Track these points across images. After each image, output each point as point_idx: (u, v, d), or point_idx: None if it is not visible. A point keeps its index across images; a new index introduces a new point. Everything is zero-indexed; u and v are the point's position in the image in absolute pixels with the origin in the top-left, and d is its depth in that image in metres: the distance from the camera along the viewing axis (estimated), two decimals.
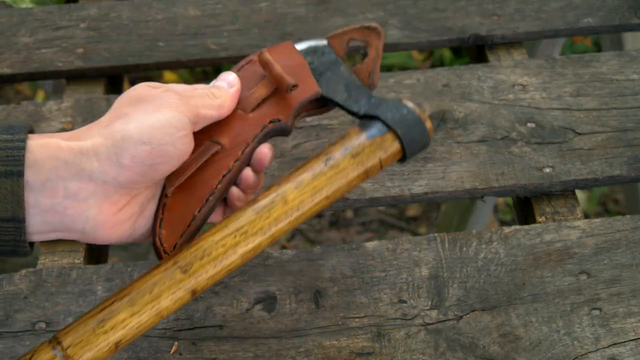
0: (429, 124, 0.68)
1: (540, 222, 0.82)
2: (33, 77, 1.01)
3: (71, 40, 1.03)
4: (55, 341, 0.58)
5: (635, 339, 0.71)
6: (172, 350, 0.71)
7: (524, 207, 0.86)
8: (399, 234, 2.04)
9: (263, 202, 0.64)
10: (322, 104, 0.71)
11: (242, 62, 0.70)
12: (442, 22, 1.03)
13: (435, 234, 0.80)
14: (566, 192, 0.85)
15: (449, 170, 0.86)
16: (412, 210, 2.11)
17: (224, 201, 0.68)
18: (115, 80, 1.03)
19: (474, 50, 1.05)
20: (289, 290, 0.76)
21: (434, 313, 0.74)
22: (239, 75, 0.68)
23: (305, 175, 0.65)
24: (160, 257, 0.63)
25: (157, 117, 0.59)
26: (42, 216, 0.57)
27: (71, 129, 0.91)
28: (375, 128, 0.67)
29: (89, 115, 0.93)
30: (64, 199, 0.57)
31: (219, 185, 0.65)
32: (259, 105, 0.68)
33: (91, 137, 0.59)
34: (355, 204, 0.85)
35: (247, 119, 0.67)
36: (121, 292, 0.61)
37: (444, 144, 0.88)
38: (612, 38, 1.52)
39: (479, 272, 0.77)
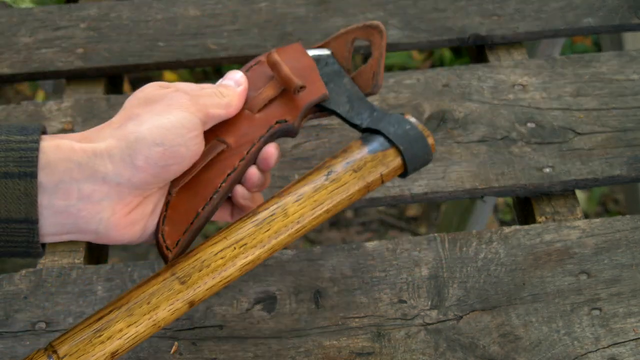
0: (431, 140, 0.68)
1: (540, 222, 0.82)
2: (33, 77, 1.01)
3: (71, 40, 1.03)
4: (50, 349, 0.58)
5: (635, 339, 0.71)
6: (172, 350, 0.71)
7: (524, 207, 0.86)
8: (399, 234, 2.04)
9: (263, 215, 0.64)
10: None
11: (251, 63, 0.70)
12: (442, 22, 1.03)
13: (435, 234, 0.80)
14: (566, 192, 0.85)
15: (449, 170, 0.86)
16: (412, 210, 2.11)
17: (231, 201, 0.68)
18: (115, 80, 1.04)
19: (474, 50, 1.05)
20: (289, 290, 0.76)
21: (434, 313, 0.74)
22: (247, 76, 0.68)
23: (306, 189, 0.65)
24: (162, 254, 0.63)
25: (169, 119, 0.59)
26: (56, 218, 0.57)
27: (71, 129, 0.91)
28: (377, 142, 0.67)
29: (89, 115, 0.93)
30: (78, 201, 0.57)
31: (224, 184, 0.65)
32: (266, 105, 0.68)
33: (103, 138, 0.59)
34: (355, 204, 0.85)
35: (253, 119, 0.67)
36: (119, 300, 0.60)
37: (444, 144, 0.88)
38: (612, 38, 1.52)
39: (479, 272, 0.77)
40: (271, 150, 0.66)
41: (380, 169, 0.67)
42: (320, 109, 0.70)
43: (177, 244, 0.63)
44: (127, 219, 0.60)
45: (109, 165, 0.57)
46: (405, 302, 0.75)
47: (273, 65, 0.68)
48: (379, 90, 0.70)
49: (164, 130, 0.59)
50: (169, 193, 0.64)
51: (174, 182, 0.64)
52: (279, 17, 1.05)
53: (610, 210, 2.07)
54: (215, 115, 0.64)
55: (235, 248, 0.62)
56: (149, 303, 0.60)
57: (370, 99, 0.92)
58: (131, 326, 0.59)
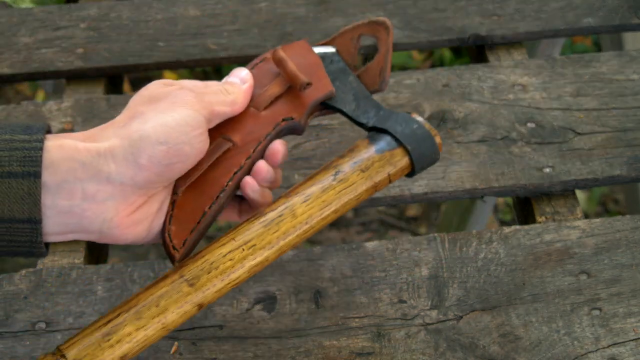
0: (438, 139, 0.68)
1: (540, 222, 0.82)
2: (33, 77, 1.01)
3: (71, 40, 1.03)
4: (59, 353, 0.58)
5: (635, 339, 0.71)
6: (172, 350, 0.71)
7: (524, 207, 0.86)
8: (399, 234, 2.04)
9: (271, 215, 0.63)
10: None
11: (257, 60, 0.69)
12: (442, 22, 1.03)
13: (435, 234, 0.80)
14: (566, 192, 0.85)
15: (449, 170, 0.85)
16: (412, 210, 2.11)
17: (239, 200, 0.68)
18: (115, 80, 1.03)
19: (474, 50, 1.05)
20: (289, 290, 0.76)
21: (434, 313, 0.74)
22: (252, 73, 0.68)
23: (313, 189, 0.65)
24: (169, 254, 0.63)
25: (173, 116, 0.59)
26: (59, 217, 0.57)
27: (71, 129, 0.91)
28: (385, 142, 0.67)
29: (89, 115, 0.93)
30: (82, 201, 0.57)
31: (230, 183, 0.64)
32: (272, 103, 0.67)
33: (107, 138, 0.58)
34: None
35: (259, 116, 0.66)
36: (127, 304, 0.60)
37: (444, 144, 0.88)
38: (612, 38, 1.52)
39: (479, 272, 0.76)
40: (277, 146, 0.65)
41: (387, 168, 0.66)
42: (326, 107, 0.69)
43: (184, 244, 0.63)
44: (131, 219, 0.60)
45: (112, 164, 0.57)
46: (405, 302, 0.75)
47: (279, 62, 0.67)
48: (386, 87, 0.69)
49: (168, 128, 0.58)
50: (175, 192, 0.63)
51: (179, 181, 0.63)
52: (279, 17, 1.05)
53: (610, 210, 2.07)
54: (221, 112, 0.63)
55: (243, 249, 0.62)
56: (157, 306, 0.59)
57: None
58: (140, 330, 0.59)
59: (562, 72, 0.96)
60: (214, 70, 2.18)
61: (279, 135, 0.67)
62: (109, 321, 0.59)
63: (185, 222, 0.63)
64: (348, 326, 0.73)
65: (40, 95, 2.15)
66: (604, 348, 0.70)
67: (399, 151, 0.67)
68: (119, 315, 0.59)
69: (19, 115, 0.93)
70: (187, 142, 0.59)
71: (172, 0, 1.08)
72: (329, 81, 0.69)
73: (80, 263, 0.80)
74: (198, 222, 0.63)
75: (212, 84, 0.64)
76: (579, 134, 0.88)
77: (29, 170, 0.55)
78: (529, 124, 0.90)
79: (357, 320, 0.73)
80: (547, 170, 0.85)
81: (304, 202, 0.64)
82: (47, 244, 0.58)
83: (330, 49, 0.71)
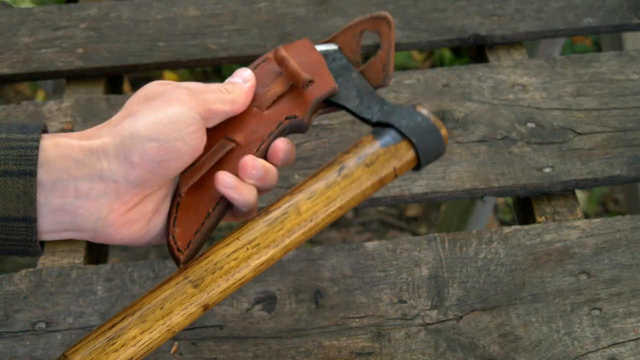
0: (444, 132, 0.67)
1: (540, 222, 0.82)
2: (33, 77, 1.01)
3: (71, 40, 1.03)
4: (64, 359, 0.57)
5: (635, 339, 0.71)
6: (172, 350, 0.71)
7: (524, 207, 0.86)
8: (399, 234, 2.04)
9: (275, 213, 0.62)
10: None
11: (259, 60, 0.69)
12: (442, 22, 1.03)
13: (435, 234, 0.80)
14: (566, 192, 0.85)
15: (449, 170, 0.85)
16: (412, 210, 2.11)
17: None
18: (115, 80, 1.04)
19: (474, 50, 1.05)
20: (289, 290, 0.76)
21: (434, 313, 0.74)
22: (255, 74, 0.67)
23: (318, 185, 0.64)
24: (173, 256, 0.62)
25: (165, 113, 0.59)
26: (53, 216, 0.56)
27: (71, 129, 0.91)
28: (389, 136, 0.66)
29: (89, 115, 0.93)
30: (74, 199, 0.57)
31: None
32: (274, 102, 0.67)
33: (101, 136, 0.58)
34: None
35: (262, 116, 0.66)
36: (131, 307, 0.59)
37: None
38: (612, 38, 1.52)
39: (479, 272, 0.76)
40: (279, 144, 0.64)
41: (393, 162, 0.65)
42: (330, 104, 0.69)
43: (188, 246, 0.62)
44: (126, 217, 0.59)
45: (104, 162, 0.57)
46: (405, 302, 0.75)
47: (280, 61, 0.67)
48: (390, 82, 0.69)
49: (159, 125, 0.58)
50: (179, 194, 0.63)
51: (182, 183, 0.63)
52: (279, 17, 1.05)
53: (610, 210, 2.07)
54: (219, 111, 0.63)
55: (248, 249, 0.61)
56: (162, 308, 0.59)
57: None
58: (145, 333, 0.58)
59: (562, 72, 0.96)
60: (214, 70, 2.18)
61: (282, 133, 0.66)
62: (113, 325, 0.58)
63: (189, 223, 0.63)
64: (348, 326, 0.73)
65: (40, 95, 2.15)
66: (604, 348, 0.71)
67: (403, 144, 0.66)
68: (123, 319, 0.59)
69: (19, 115, 0.93)
70: (179, 139, 0.59)
71: (172, 0, 1.08)
72: (332, 78, 0.68)
73: (80, 263, 0.80)
74: (202, 224, 0.63)
75: (213, 85, 0.64)
76: (579, 134, 0.88)
77: (24, 169, 0.55)
78: (529, 124, 0.90)
79: (357, 320, 0.73)
80: (547, 170, 0.85)
81: (309, 198, 0.63)
82: (42, 243, 0.58)
83: (332, 47, 0.71)
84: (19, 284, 0.76)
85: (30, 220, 0.55)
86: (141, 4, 1.08)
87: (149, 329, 0.58)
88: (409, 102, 0.93)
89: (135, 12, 1.07)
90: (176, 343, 0.72)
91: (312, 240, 2.00)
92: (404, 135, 0.66)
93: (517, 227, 0.80)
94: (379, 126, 0.67)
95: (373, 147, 0.66)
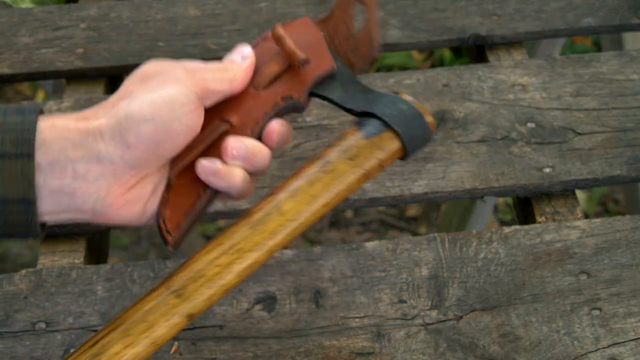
0: (429, 118, 0.64)
1: (540, 222, 0.82)
2: (33, 77, 1.01)
3: (71, 40, 1.03)
4: None
5: (635, 339, 0.71)
6: (172, 350, 0.71)
7: (524, 207, 0.86)
8: (399, 234, 2.04)
9: (257, 216, 0.60)
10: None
11: (258, 39, 0.67)
12: (442, 22, 1.03)
13: (435, 234, 0.80)
14: (566, 192, 0.85)
15: (449, 170, 0.85)
16: (412, 210, 2.11)
17: None
18: (115, 80, 1.03)
19: (474, 50, 1.05)
20: (289, 290, 0.76)
21: (434, 313, 0.74)
22: (254, 52, 0.65)
23: (300, 183, 0.61)
24: (162, 237, 0.61)
25: (161, 93, 0.58)
26: (52, 197, 0.56)
27: None
28: (372, 126, 0.63)
29: None
30: (72, 181, 0.56)
31: None
32: (271, 82, 0.65)
33: (98, 117, 0.58)
34: (355, 204, 0.85)
35: (258, 96, 0.64)
36: (115, 321, 0.58)
37: (444, 144, 0.88)
38: (612, 38, 1.52)
39: (479, 272, 0.76)
40: (274, 126, 0.63)
41: (377, 154, 0.62)
42: (313, 95, 0.66)
43: (177, 228, 0.61)
44: (125, 198, 0.59)
45: (101, 144, 0.57)
46: (405, 302, 0.75)
47: (277, 39, 0.65)
48: (378, 51, 0.66)
49: (155, 105, 0.57)
50: (170, 176, 0.62)
51: (174, 164, 0.62)
52: (279, 17, 1.05)
53: (610, 210, 2.07)
54: (218, 90, 0.62)
55: (230, 254, 0.59)
56: (145, 321, 0.57)
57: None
58: (128, 347, 0.57)
59: (562, 72, 0.96)
60: None
61: (278, 114, 0.64)
62: (97, 341, 0.57)
63: (179, 205, 0.62)
64: (348, 326, 0.73)
65: (40, 95, 2.15)
66: (604, 348, 0.70)
67: (387, 134, 0.62)
68: (107, 334, 0.57)
69: None
70: (175, 119, 0.58)
71: (172, 0, 1.08)
72: (331, 57, 0.65)
73: (80, 263, 0.80)
74: (193, 206, 0.62)
75: (211, 63, 0.62)
76: (579, 134, 0.88)
77: (22, 151, 0.55)
78: (529, 124, 0.90)
79: (357, 320, 0.73)
80: (547, 170, 0.85)
81: (291, 197, 0.60)
82: (43, 225, 0.58)
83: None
84: (19, 284, 0.77)
85: (29, 202, 0.55)
86: (141, 4, 1.08)
87: (132, 343, 0.57)
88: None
89: (135, 12, 1.07)
90: (176, 343, 0.72)
91: (312, 240, 2.00)
92: (387, 125, 0.63)
93: (517, 227, 0.80)
94: (363, 116, 0.64)
95: (356, 139, 0.63)
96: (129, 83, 0.60)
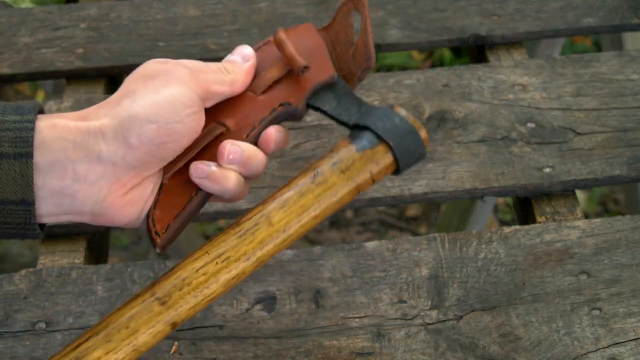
0: (423, 133, 0.63)
1: (540, 222, 0.82)
2: (33, 77, 1.01)
3: (71, 40, 1.03)
4: None
5: (635, 339, 0.71)
6: (172, 350, 0.71)
7: (524, 207, 0.86)
8: (399, 234, 2.04)
9: (246, 225, 0.60)
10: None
11: (260, 43, 0.67)
12: (442, 22, 1.03)
13: (435, 234, 0.80)
14: (566, 192, 0.85)
15: (449, 170, 0.85)
16: (412, 210, 2.11)
17: None
18: (115, 80, 1.03)
19: (474, 50, 1.05)
20: (289, 290, 0.76)
21: (434, 313, 0.74)
22: (256, 56, 0.65)
23: (291, 194, 0.60)
24: (151, 239, 0.61)
25: (164, 94, 0.57)
26: (52, 198, 0.56)
27: None
28: (365, 139, 0.63)
29: None
30: (73, 182, 0.56)
31: None
32: (270, 87, 0.64)
33: (99, 117, 0.57)
34: (355, 204, 0.85)
35: (256, 101, 0.64)
36: (98, 325, 0.57)
37: (444, 144, 0.88)
38: (612, 38, 1.52)
39: (479, 272, 0.76)
40: (271, 132, 0.62)
41: (369, 167, 0.62)
42: (307, 106, 0.66)
43: (166, 229, 0.61)
44: (125, 199, 0.59)
45: (102, 144, 0.56)
46: (405, 302, 0.75)
47: (279, 44, 0.65)
48: (372, 63, 0.65)
49: (158, 106, 0.57)
50: (164, 177, 0.62)
51: (168, 166, 0.61)
52: (279, 17, 1.05)
53: (610, 210, 2.07)
54: (218, 92, 0.61)
55: (217, 263, 0.58)
56: (127, 327, 0.57)
57: (370, 98, 0.93)
58: (110, 353, 0.56)
59: (562, 72, 0.96)
60: None
61: (275, 120, 0.64)
62: (77, 346, 0.56)
63: (170, 207, 0.61)
64: (348, 326, 0.73)
65: (40, 95, 2.15)
66: (604, 348, 0.70)
67: (380, 148, 0.62)
68: (88, 339, 0.56)
69: None
70: (179, 121, 0.58)
71: (172, 0, 1.08)
72: (331, 65, 0.65)
73: (80, 263, 0.80)
74: (183, 208, 0.61)
75: (212, 64, 0.62)
76: (579, 134, 0.88)
77: (20, 151, 0.54)
78: (529, 124, 0.90)
79: (357, 320, 0.73)
80: (547, 170, 0.85)
81: (281, 208, 0.60)
82: (42, 226, 0.58)
83: None
84: (19, 284, 0.76)
85: (28, 202, 0.55)
86: (141, 4, 1.08)
87: (113, 349, 0.56)
88: (409, 102, 0.93)
89: (135, 12, 1.07)
90: (176, 343, 0.72)
91: (312, 240, 2.00)
92: (380, 139, 0.63)
93: (517, 227, 0.80)
94: (356, 129, 0.64)
95: (349, 152, 0.62)
96: (131, 81, 0.59)
